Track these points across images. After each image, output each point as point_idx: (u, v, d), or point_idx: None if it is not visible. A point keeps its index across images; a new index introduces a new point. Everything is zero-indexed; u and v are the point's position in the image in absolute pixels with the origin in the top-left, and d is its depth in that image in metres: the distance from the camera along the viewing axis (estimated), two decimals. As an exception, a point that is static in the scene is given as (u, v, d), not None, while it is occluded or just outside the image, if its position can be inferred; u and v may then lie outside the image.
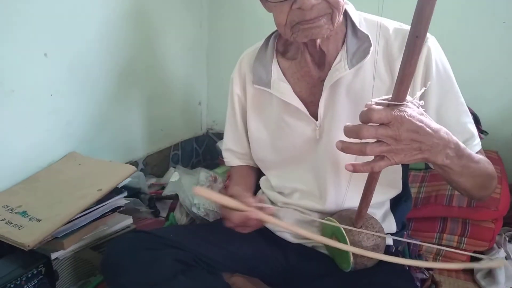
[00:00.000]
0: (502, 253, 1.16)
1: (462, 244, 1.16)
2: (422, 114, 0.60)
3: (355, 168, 0.62)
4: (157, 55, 1.65)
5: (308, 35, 0.77)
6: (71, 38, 1.23)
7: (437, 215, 1.19)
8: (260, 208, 0.76)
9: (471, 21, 1.39)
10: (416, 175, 1.32)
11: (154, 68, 1.65)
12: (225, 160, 1.13)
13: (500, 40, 1.42)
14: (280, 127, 0.94)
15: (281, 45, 0.94)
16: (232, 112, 1.06)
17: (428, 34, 0.77)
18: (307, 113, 0.88)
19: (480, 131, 1.30)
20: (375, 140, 0.60)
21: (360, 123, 0.82)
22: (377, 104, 0.58)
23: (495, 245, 1.19)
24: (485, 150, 0.90)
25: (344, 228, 0.78)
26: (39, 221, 0.95)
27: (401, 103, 0.57)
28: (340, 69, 0.82)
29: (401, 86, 0.55)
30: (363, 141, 0.59)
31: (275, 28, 0.85)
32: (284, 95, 0.89)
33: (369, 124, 0.58)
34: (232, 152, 1.10)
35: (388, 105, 0.57)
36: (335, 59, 0.84)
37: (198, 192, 0.72)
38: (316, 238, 0.77)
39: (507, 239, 1.22)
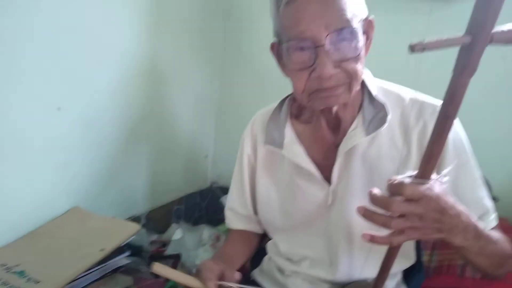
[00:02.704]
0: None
1: (477, 318, 1.10)
2: (447, 194, 0.59)
3: (373, 239, 0.60)
4: (167, 110, 1.67)
5: (325, 103, 0.78)
6: (85, 93, 1.24)
7: (451, 286, 1.14)
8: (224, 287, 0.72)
9: (480, 89, 1.41)
10: (427, 242, 1.28)
11: (163, 123, 1.66)
12: (226, 220, 1.10)
13: (509, 107, 1.43)
14: (291, 190, 0.92)
15: (296, 108, 0.95)
16: (240, 171, 1.05)
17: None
18: (320, 177, 0.87)
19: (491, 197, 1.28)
20: (398, 215, 0.58)
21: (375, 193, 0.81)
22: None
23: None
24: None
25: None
26: (37, 282, 0.91)
27: (427, 181, 0.56)
28: (356, 135, 0.82)
29: (428, 164, 0.54)
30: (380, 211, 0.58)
31: (287, 87, 0.86)
32: (297, 158, 0.89)
33: (397, 198, 0.57)
34: (235, 213, 1.07)
35: (413, 182, 0.56)
36: (350, 125, 0.84)
37: (156, 270, 0.71)
38: None
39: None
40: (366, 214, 0.60)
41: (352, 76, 0.75)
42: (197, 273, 0.75)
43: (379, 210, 0.59)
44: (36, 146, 1.11)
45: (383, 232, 0.60)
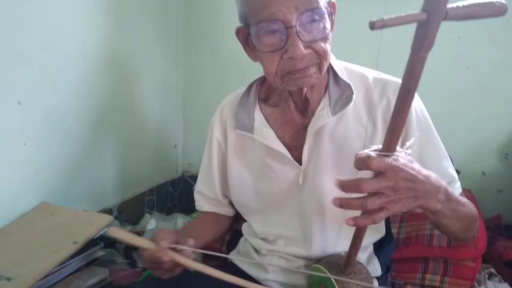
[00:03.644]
0: (483, 291, 1.17)
1: (444, 284, 1.16)
2: (412, 162, 0.61)
3: (356, 223, 0.61)
4: (132, 100, 1.64)
5: (299, 84, 0.79)
6: (46, 86, 1.21)
7: (419, 256, 1.19)
8: (176, 250, 0.72)
9: (437, 65, 1.46)
10: (395, 215, 1.33)
11: (130, 113, 1.63)
12: (196, 203, 1.11)
13: (465, 83, 1.50)
14: (263, 171, 0.94)
15: (263, 92, 0.96)
16: (209, 156, 1.05)
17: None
18: (291, 158, 0.89)
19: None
20: (371, 192, 0.60)
21: (345, 171, 0.84)
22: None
23: (476, 283, 1.20)
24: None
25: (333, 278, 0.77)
26: (9, 279, 0.89)
27: (392, 153, 0.58)
28: (324, 116, 0.84)
29: (392, 137, 0.56)
30: (354, 195, 0.60)
31: (253, 72, 0.87)
32: (267, 140, 0.90)
33: (363, 178, 0.59)
34: (203, 195, 1.09)
35: (379, 155, 0.58)
36: (317, 106, 0.86)
37: (112, 233, 0.72)
38: None
39: (487, 276, 1.23)
40: (342, 203, 0.60)
41: (322, 56, 0.77)
42: (152, 238, 0.75)
43: (354, 195, 0.60)
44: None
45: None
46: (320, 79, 0.81)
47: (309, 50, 0.75)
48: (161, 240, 0.71)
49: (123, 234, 0.73)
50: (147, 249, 0.72)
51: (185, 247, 0.73)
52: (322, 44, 0.76)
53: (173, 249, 0.72)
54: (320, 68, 0.79)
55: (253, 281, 0.92)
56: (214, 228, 1.06)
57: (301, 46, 0.73)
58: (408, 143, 0.64)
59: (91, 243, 1.06)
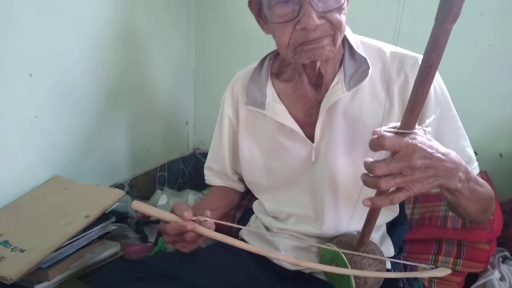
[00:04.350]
0: (496, 274, 1.16)
1: (457, 266, 1.14)
2: (430, 140, 0.59)
3: (373, 204, 0.60)
4: (143, 76, 1.62)
5: (311, 56, 0.76)
6: (57, 59, 1.19)
7: (432, 237, 1.18)
8: (198, 222, 0.73)
9: (457, 42, 1.41)
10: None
11: (141, 89, 1.62)
12: (205, 178, 1.11)
13: (486, 61, 1.45)
14: (274, 149, 0.92)
15: (276, 67, 0.93)
16: (219, 132, 1.04)
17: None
18: (303, 135, 0.87)
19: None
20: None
21: (359, 149, 0.82)
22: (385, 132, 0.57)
23: (489, 266, 1.18)
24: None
25: (345, 254, 0.76)
26: (23, 251, 0.90)
27: (410, 131, 0.56)
28: (338, 91, 0.81)
29: (412, 115, 0.54)
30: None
31: (264, 48, 0.85)
32: (279, 117, 0.88)
33: (375, 162, 0.57)
34: (212, 170, 1.09)
35: (396, 133, 0.56)
36: (332, 81, 0.83)
37: (136, 206, 0.72)
38: (307, 264, 0.74)
39: (501, 260, 1.22)
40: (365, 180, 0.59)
41: (336, 27, 0.74)
42: (171, 211, 0.75)
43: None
44: (8, 115, 1.07)
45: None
46: (334, 52, 0.78)
47: (323, 21, 0.73)
48: (183, 211, 0.72)
49: (146, 207, 0.73)
50: (170, 221, 0.73)
51: (207, 218, 0.73)
52: (337, 15, 0.73)
53: (194, 221, 0.73)
54: (334, 40, 0.76)
55: (264, 259, 0.92)
56: (225, 203, 1.05)
57: (315, 16, 0.71)
58: (428, 121, 0.61)
59: (103, 217, 1.06)
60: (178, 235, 0.73)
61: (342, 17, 0.74)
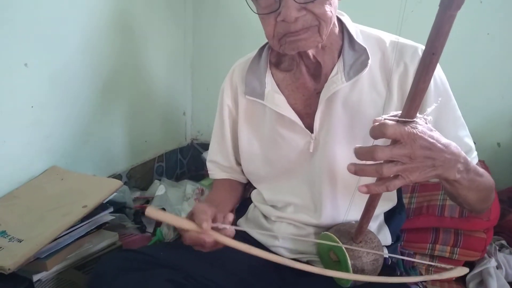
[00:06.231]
0: (493, 263, 1.16)
1: (454, 255, 1.15)
2: (431, 130, 0.59)
3: (369, 190, 0.59)
4: (140, 66, 1.61)
5: (295, 47, 0.76)
6: (53, 48, 1.18)
7: (430, 226, 1.18)
8: (217, 229, 0.69)
9: (456, 31, 1.41)
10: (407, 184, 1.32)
11: (138, 79, 1.61)
12: (209, 172, 1.10)
13: (485, 51, 1.44)
14: (273, 139, 0.92)
15: (274, 56, 0.92)
16: (220, 123, 1.03)
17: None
18: (302, 126, 0.86)
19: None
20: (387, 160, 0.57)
21: (358, 139, 0.81)
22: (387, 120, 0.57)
23: (486, 255, 1.19)
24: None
25: (342, 243, 0.76)
26: (20, 241, 0.89)
27: (411, 120, 0.55)
28: (337, 81, 0.81)
29: (413, 103, 0.54)
30: (369, 163, 0.57)
31: (262, 38, 0.84)
32: (278, 107, 0.87)
33: (379, 145, 0.56)
34: (216, 164, 1.07)
35: (397, 122, 0.56)
36: (331, 71, 0.83)
37: (150, 214, 0.65)
38: (308, 268, 0.71)
39: (497, 248, 1.22)
40: (357, 169, 0.58)
41: (320, 18, 0.73)
42: (190, 216, 0.72)
43: (369, 163, 0.58)
44: (4, 104, 1.06)
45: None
46: (321, 42, 0.77)
47: (303, 12, 0.72)
48: (202, 221, 0.68)
49: (162, 215, 0.67)
50: (189, 230, 0.69)
51: (226, 226, 0.70)
52: (320, 6, 0.72)
53: (213, 228, 0.69)
54: (320, 31, 0.75)
55: (262, 248, 0.92)
56: (233, 195, 1.05)
57: (293, 9, 0.71)
58: (429, 109, 0.61)
59: (101, 207, 1.05)
60: (197, 244, 0.71)
61: (327, 8, 0.73)
